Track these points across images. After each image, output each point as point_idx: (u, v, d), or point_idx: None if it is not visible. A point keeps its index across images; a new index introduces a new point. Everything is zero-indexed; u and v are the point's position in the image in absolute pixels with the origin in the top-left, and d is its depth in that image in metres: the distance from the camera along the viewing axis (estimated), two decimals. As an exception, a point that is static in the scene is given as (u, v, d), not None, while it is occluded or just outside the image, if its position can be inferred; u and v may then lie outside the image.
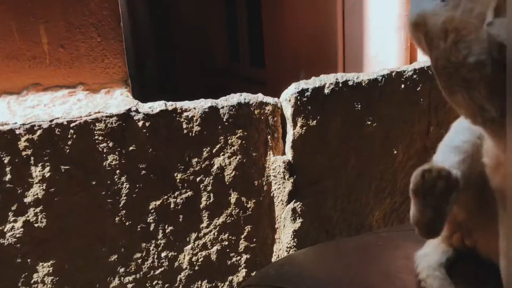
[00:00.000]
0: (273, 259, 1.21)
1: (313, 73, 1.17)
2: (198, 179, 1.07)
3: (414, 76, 1.24)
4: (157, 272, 1.07)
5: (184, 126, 1.02)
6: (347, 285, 0.80)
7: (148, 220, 1.04)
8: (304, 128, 1.13)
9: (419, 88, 1.26)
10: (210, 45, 3.50)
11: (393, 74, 1.21)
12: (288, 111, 1.12)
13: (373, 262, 0.86)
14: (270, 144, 1.13)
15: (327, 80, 1.13)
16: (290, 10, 2.28)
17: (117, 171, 0.98)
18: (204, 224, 1.10)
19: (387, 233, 1.04)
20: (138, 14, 3.77)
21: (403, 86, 1.24)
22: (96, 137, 0.96)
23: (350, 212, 1.27)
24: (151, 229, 1.04)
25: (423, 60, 1.34)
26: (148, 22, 3.86)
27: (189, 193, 1.07)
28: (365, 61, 1.81)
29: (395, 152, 1.28)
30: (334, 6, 1.90)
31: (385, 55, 1.67)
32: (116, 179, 0.99)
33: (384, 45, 1.67)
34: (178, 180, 1.05)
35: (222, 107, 1.05)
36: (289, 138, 1.14)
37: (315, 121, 1.14)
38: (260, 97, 1.10)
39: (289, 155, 1.15)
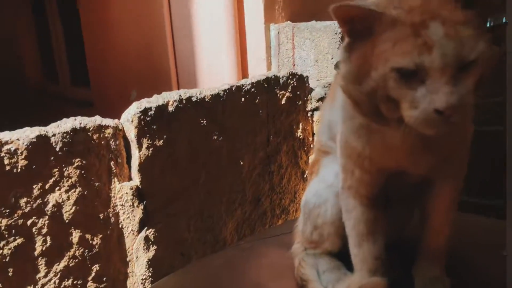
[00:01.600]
0: (128, 296, 1.10)
1: (146, 91, 1.12)
2: (29, 222, 0.91)
3: (252, 89, 1.29)
4: None
5: (6, 161, 0.86)
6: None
7: (-35, 284, 0.83)
8: (150, 149, 1.06)
9: (257, 100, 1.31)
10: (18, 62, 3.08)
11: (233, 88, 1.24)
12: (131, 133, 1.03)
13: (242, 275, 0.86)
14: (114, 170, 1.03)
15: (170, 97, 1.08)
16: (114, 25, 2.15)
17: None
18: (42, 274, 0.95)
19: (249, 244, 1.05)
20: None
21: (243, 99, 1.27)
22: None
23: (204, 230, 1.25)
24: (-30, 294, 0.84)
25: (258, 74, 1.40)
26: None
27: (19, 240, 0.91)
28: (199, 76, 1.82)
29: (241, 163, 1.31)
30: (162, 21, 1.86)
31: (218, 69, 1.70)
32: None
33: (217, 60, 1.70)
34: (3, 228, 0.88)
35: (54, 135, 0.92)
36: (135, 162, 1.05)
37: (162, 140, 1.08)
38: (98, 119, 0.99)
39: (136, 180, 1.06)
